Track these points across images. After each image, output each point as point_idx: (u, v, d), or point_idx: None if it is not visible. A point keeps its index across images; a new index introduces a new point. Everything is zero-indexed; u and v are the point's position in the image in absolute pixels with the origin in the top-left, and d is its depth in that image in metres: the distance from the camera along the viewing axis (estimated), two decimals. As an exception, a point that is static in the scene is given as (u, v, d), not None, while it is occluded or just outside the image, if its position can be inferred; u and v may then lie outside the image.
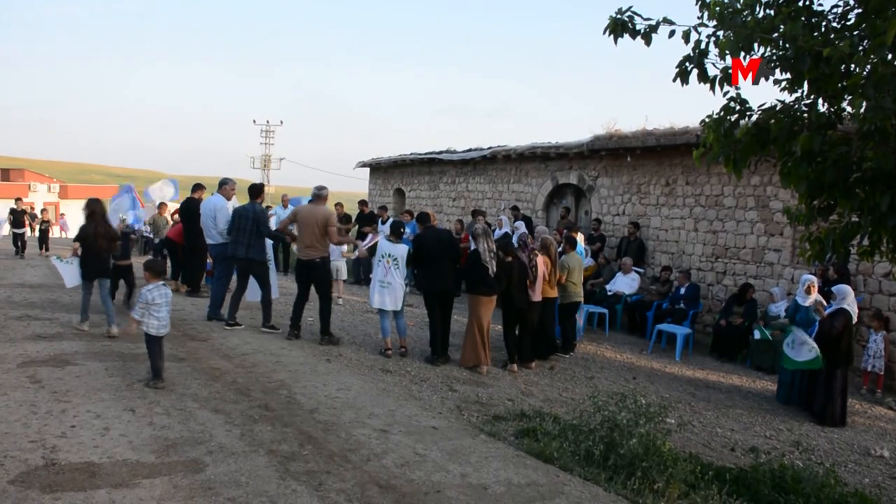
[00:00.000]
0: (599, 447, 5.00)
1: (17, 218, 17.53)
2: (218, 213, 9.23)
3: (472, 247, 8.19)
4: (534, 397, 7.16)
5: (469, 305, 8.11)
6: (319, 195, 8.42)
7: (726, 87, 4.34)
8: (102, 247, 7.96)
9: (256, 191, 9.01)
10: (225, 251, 9.17)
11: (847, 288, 7.82)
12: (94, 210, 8.14)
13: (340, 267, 11.62)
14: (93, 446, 4.43)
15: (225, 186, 9.73)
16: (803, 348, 7.69)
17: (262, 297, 8.69)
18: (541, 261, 8.56)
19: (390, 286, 7.96)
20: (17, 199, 19.22)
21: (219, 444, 4.62)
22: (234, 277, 9.13)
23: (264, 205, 11.18)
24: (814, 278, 8.33)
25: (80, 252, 7.98)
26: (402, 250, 8.04)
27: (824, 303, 7.99)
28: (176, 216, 13.30)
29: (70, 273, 8.46)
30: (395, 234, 8.20)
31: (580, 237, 10.96)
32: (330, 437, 4.95)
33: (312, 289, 8.42)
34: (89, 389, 5.64)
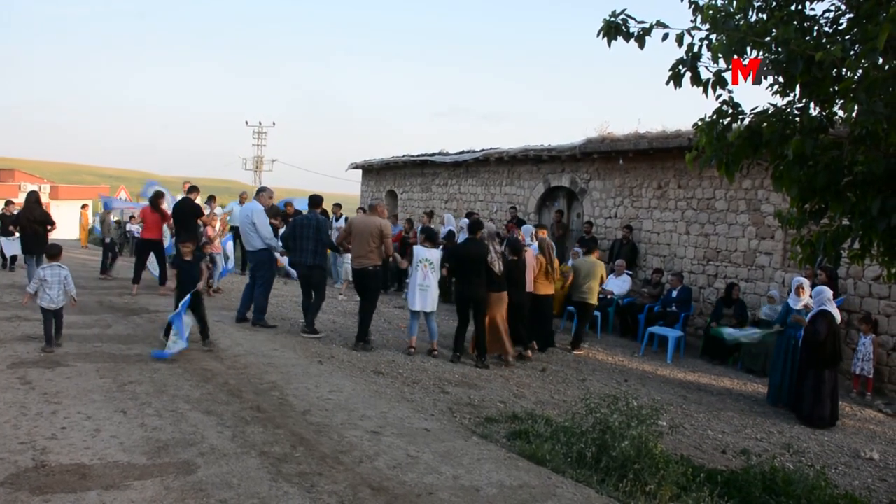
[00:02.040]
0: (591, 449, 5.00)
1: (5, 224, 13.99)
2: (255, 216, 9.20)
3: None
4: (525, 399, 7.16)
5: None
6: (374, 206, 8.90)
7: (719, 91, 4.36)
8: (26, 227, 10.64)
9: (317, 201, 9.20)
10: (266, 257, 9.26)
11: (824, 288, 7.85)
12: (28, 199, 11.02)
13: (348, 269, 11.88)
14: (83, 448, 4.40)
15: (262, 194, 9.81)
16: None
17: (312, 304, 8.84)
18: (529, 254, 9.18)
19: (428, 289, 8.38)
20: (8, 203, 15.42)
21: (210, 446, 4.59)
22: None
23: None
24: (805, 280, 8.36)
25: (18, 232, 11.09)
26: (436, 255, 8.58)
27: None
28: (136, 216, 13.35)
29: (11, 246, 12.53)
30: (431, 241, 8.75)
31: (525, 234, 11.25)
32: (322, 439, 4.93)
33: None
34: (80, 391, 5.60)
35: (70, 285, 7.19)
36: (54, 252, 7.41)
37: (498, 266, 8.35)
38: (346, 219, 14.06)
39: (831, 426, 7.54)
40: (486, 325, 8.42)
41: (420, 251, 8.51)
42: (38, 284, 7.03)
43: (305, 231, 8.69)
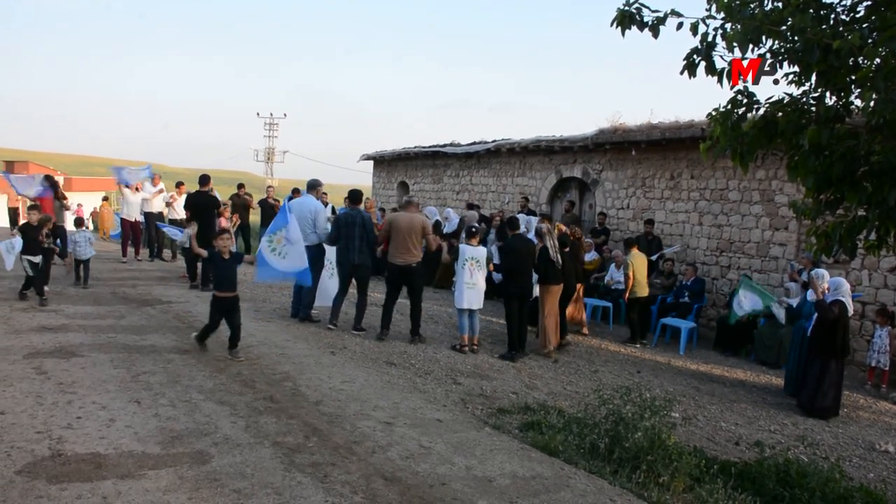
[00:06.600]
0: (604, 440, 5.01)
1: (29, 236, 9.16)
2: (318, 215, 9.11)
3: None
4: (538, 391, 7.16)
5: (541, 296, 8.90)
6: (410, 202, 9.05)
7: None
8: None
9: (358, 197, 9.04)
10: (314, 254, 9.02)
11: (841, 280, 7.82)
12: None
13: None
14: (99, 437, 4.44)
15: (319, 188, 9.71)
16: (745, 302, 8.98)
17: (357, 303, 8.89)
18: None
19: (475, 287, 8.45)
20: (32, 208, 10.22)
21: (224, 436, 4.63)
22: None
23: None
24: (825, 272, 8.27)
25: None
26: (482, 252, 8.70)
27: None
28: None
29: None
30: (476, 239, 8.81)
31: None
32: (335, 430, 4.95)
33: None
34: (95, 381, 5.65)
35: (93, 239, 10.92)
36: (81, 222, 12.42)
37: (558, 261, 8.72)
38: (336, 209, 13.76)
39: (834, 416, 7.49)
40: (545, 318, 8.81)
41: (466, 249, 8.54)
42: (74, 245, 10.36)
43: (351, 230, 8.58)
